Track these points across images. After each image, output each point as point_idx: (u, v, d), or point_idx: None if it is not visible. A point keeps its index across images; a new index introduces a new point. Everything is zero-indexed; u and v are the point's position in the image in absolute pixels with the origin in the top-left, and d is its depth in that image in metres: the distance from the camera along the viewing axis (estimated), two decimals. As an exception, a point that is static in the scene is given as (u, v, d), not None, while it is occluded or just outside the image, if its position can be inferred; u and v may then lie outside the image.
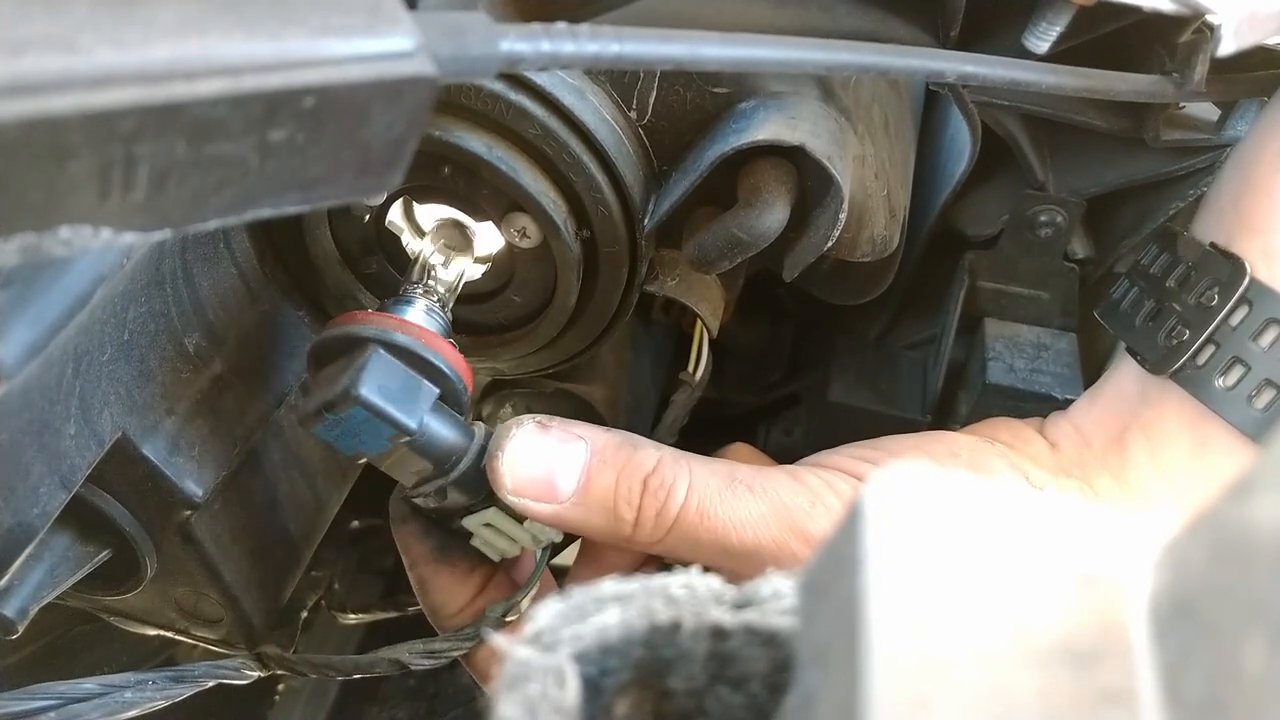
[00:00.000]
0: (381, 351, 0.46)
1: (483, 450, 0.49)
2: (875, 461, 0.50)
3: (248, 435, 0.53)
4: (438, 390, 0.47)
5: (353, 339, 0.46)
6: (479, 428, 0.50)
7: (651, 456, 0.49)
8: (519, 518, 0.51)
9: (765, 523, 0.47)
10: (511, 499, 0.48)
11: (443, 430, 0.48)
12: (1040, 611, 0.19)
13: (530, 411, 0.71)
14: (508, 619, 0.53)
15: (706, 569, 0.25)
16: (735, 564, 0.48)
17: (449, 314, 0.51)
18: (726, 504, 0.47)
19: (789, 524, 0.47)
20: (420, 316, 0.49)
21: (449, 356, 0.47)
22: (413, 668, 0.54)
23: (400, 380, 0.46)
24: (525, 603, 0.54)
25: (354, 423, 0.45)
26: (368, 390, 0.44)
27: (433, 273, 0.52)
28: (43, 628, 0.68)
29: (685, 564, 0.53)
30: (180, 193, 0.26)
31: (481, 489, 0.49)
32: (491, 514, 0.51)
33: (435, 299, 0.50)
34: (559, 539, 0.53)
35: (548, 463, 0.48)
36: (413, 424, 0.46)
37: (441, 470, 0.48)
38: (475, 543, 0.53)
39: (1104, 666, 0.18)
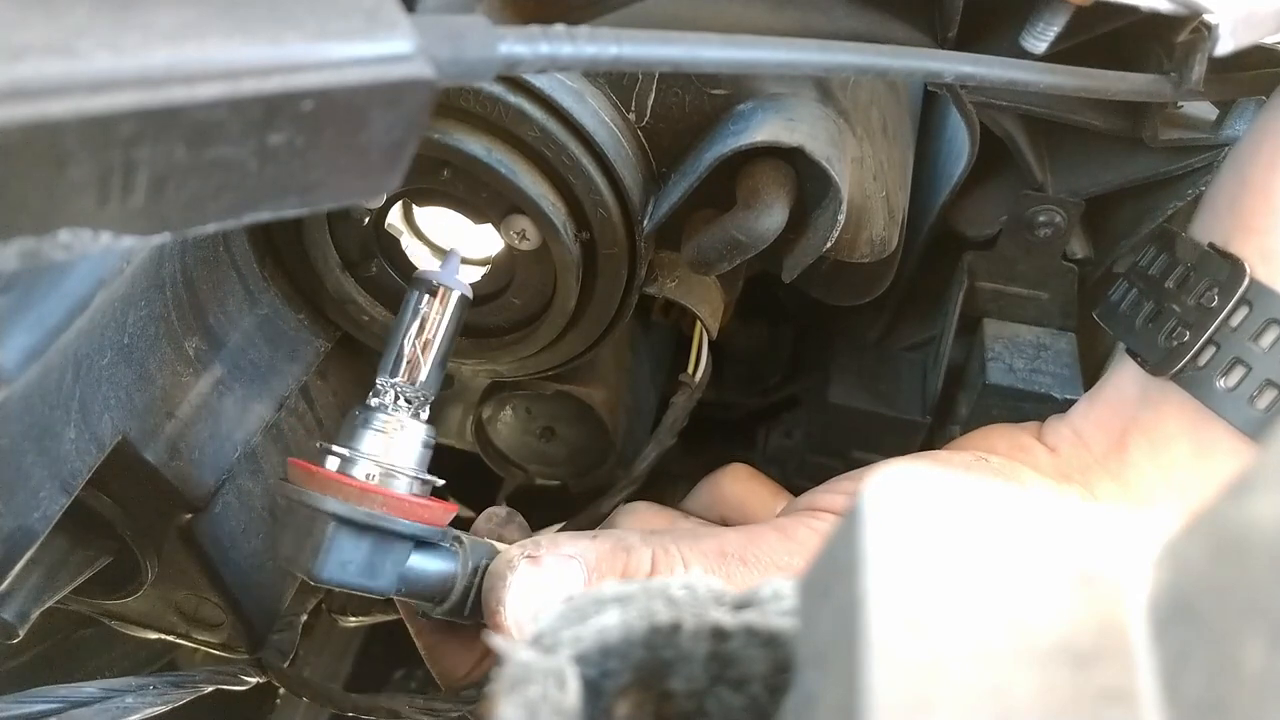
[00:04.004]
0: (342, 532, 0.44)
1: (469, 585, 0.48)
2: None
3: (248, 438, 0.53)
4: (411, 544, 0.46)
5: (311, 511, 0.44)
6: (463, 548, 0.48)
7: (645, 557, 0.48)
8: None
9: None
10: None
11: (424, 574, 0.47)
12: (1040, 611, 0.19)
13: (530, 414, 0.71)
14: None
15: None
16: None
17: (429, 407, 0.48)
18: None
19: None
20: (392, 449, 0.46)
21: (418, 515, 0.45)
22: None
23: (365, 551, 0.44)
24: None
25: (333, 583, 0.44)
26: (329, 573, 0.44)
27: (414, 360, 0.48)
28: (44, 632, 0.68)
29: None
30: (179, 196, 0.26)
31: (476, 610, 0.48)
32: None
33: (414, 400, 0.47)
34: None
35: (550, 603, 0.47)
36: (384, 587, 0.45)
37: (434, 602, 0.48)
38: None
39: (1104, 666, 0.18)
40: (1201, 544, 0.18)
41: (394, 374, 0.47)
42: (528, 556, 0.47)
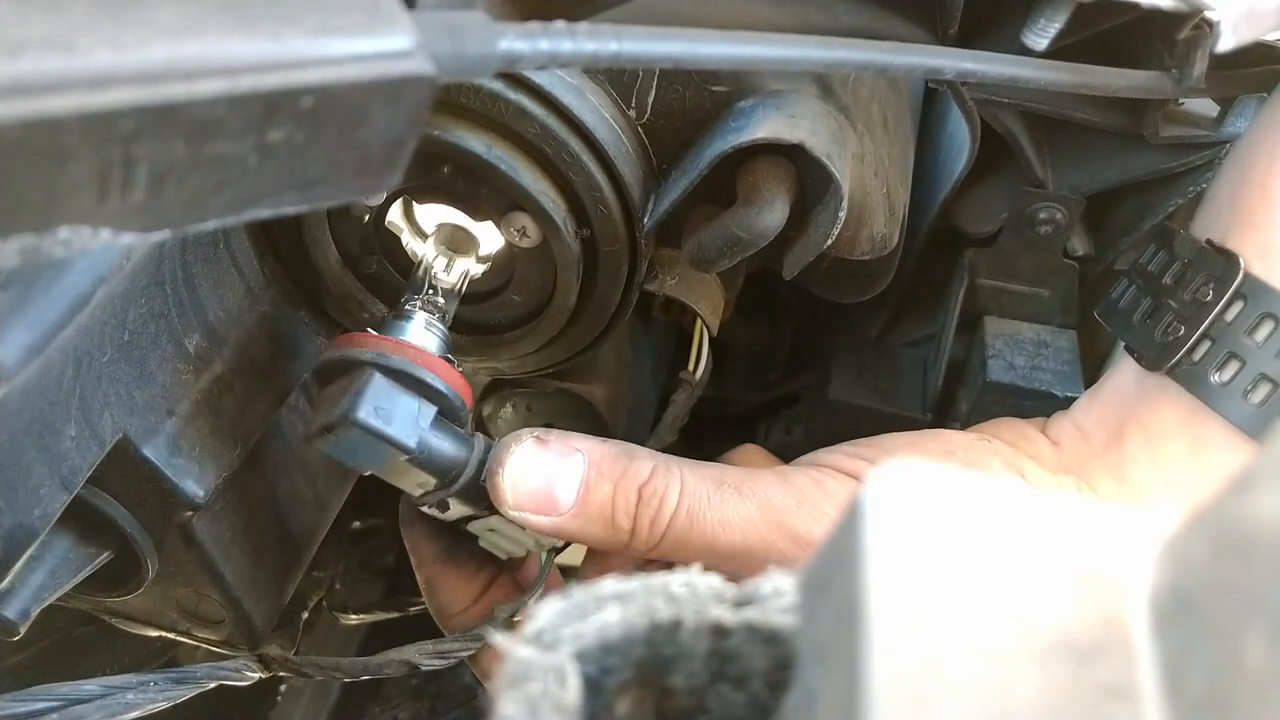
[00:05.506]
0: (378, 375, 0.47)
1: (483, 462, 0.50)
2: (869, 459, 0.50)
3: (248, 435, 0.53)
4: (435, 408, 0.48)
5: (350, 362, 0.47)
6: (479, 439, 0.51)
7: (646, 466, 0.50)
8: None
9: (753, 523, 0.48)
10: (513, 514, 0.49)
11: (442, 445, 0.49)
12: (1041, 607, 0.19)
13: (530, 412, 0.71)
14: (514, 619, 0.54)
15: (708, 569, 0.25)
16: (726, 564, 0.49)
17: (448, 323, 0.51)
18: (714, 507, 0.48)
19: (776, 523, 0.48)
20: (419, 333, 0.50)
21: (445, 376, 0.48)
22: (422, 668, 0.55)
23: (397, 401, 0.47)
24: (531, 604, 0.55)
25: (354, 442, 0.46)
26: (364, 414, 0.46)
27: (434, 279, 0.52)
28: (45, 629, 0.68)
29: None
30: (179, 193, 0.26)
31: (484, 498, 0.50)
32: (495, 520, 0.52)
33: (435, 310, 0.51)
34: (560, 543, 0.54)
35: (547, 477, 0.49)
36: (410, 443, 0.47)
37: (444, 483, 0.49)
38: (483, 543, 0.54)
39: (1105, 662, 0.18)
40: (1203, 540, 0.18)
41: (416, 292, 0.52)
42: (536, 437, 0.50)
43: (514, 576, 0.58)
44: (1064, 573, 0.19)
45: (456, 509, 0.51)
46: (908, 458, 0.50)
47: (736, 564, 0.49)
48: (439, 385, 0.48)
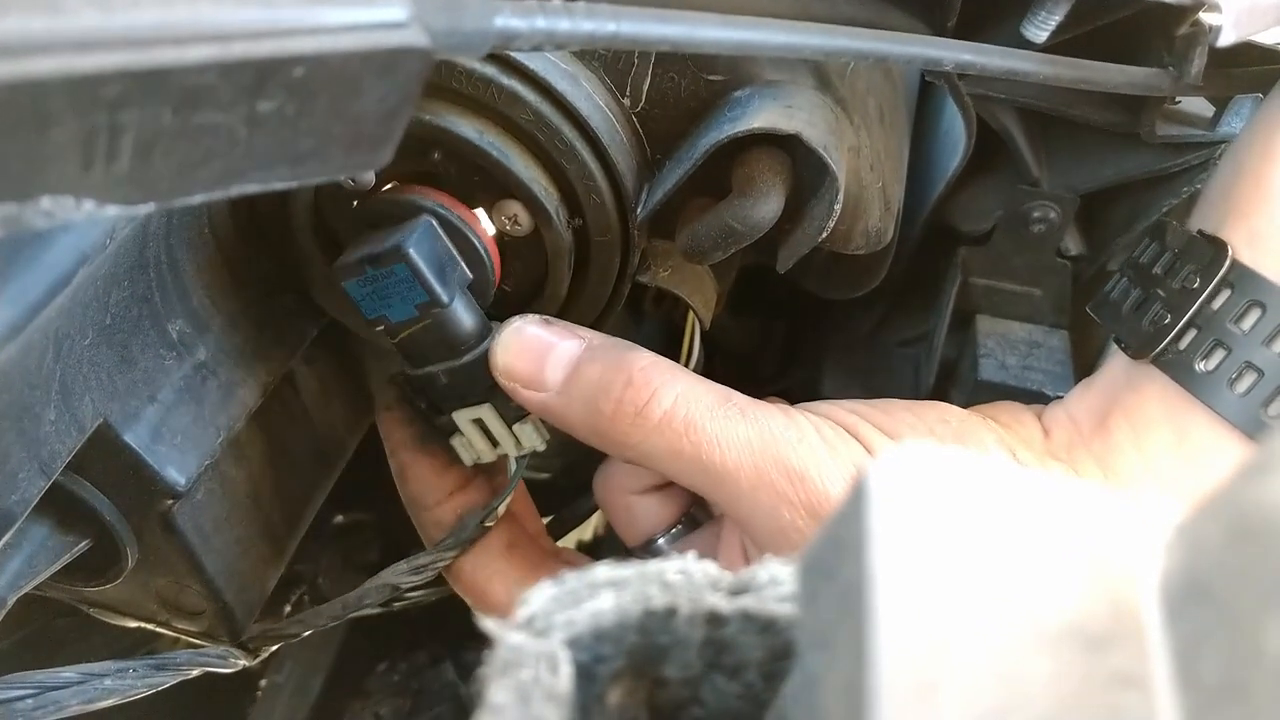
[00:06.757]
0: (433, 222, 0.48)
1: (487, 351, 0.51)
2: (866, 416, 0.50)
3: (231, 423, 0.52)
4: (471, 276, 0.49)
5: (408, 205, 0.48)
6: (496, 324, 0.51)
7: (645, 359, 0.49)
8: (509, 420, 0.52)
9: (750, 448, 0.47)
10: (502, 380, 0.50)
11: (466, 313, 0.50)
12: (1050, 594, 0.18)
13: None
14: (486, 524, 0.55)
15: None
16: (709, 484, 0.48)
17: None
18: (717, 421, 0.47)
19: (773, 454, 0.47)
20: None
21: (490, 246, 0.50)
22: (403, 587, 0.54)
23: (443, 253, 0.48)
24: (501, 509, 0.55)
25: (391, 282, 0.47)
26: (415, 250, 0.47)
27: None
28: (21, 619, 0.67)
29: (659, 474, 0.54)
30: (166, 164, 0.26)
31: (483, 380, 0.51)
32: (484, 410, 0.52)
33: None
34: (542, 447, 0.54)
35: (541, 350, 0.49)
36: (446, 296, 0.48)
37: (453, 353, 0.50)
38: (454, 442, 0.54)
39: (1116, 650, 0.18)
40: (1216, 525, 0.18)
41: None
42: (542, 318, 0.51)
43: (488, 482, 0.58)
44: (1074, 558, 0.19)
45: (453, 386, 0.51)
46: (902, 417, 0.49)
47: (719, 486, 0.47)
48: (484, 254, 0.49)
